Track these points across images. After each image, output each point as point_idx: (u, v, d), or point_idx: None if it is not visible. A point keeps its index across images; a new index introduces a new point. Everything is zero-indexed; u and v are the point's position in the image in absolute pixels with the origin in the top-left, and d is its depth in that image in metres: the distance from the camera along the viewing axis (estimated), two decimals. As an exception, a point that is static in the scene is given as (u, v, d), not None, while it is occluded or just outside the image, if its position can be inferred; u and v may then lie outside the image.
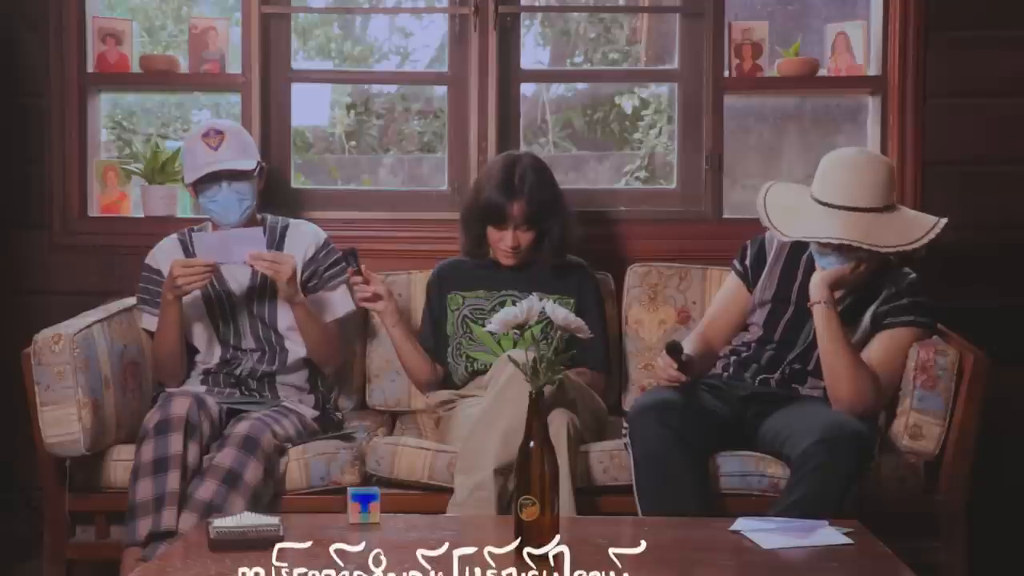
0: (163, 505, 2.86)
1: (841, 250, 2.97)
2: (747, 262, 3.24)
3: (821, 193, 3.02)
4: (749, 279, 3.23)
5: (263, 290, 3.32)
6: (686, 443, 2.86)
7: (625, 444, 2.93)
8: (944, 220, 3.02)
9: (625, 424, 2.95)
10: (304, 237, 3.39)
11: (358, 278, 3.28)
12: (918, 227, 3.01)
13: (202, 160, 3.22)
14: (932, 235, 2.99)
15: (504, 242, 3.34)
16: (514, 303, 2.51)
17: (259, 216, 3.37)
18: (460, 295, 3.42)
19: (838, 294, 3.01)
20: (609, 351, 3.48)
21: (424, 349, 3.41)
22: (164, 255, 3.34)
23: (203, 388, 3.25)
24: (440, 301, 3.44)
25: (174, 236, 3.40)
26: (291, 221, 3.43)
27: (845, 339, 2.95)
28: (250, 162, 3.27)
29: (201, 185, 3.23)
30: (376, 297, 3.31)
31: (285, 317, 3.31)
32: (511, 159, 3.37)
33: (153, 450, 2.91)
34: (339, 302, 3.38)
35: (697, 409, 2.95)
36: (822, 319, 2.95)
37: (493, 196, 3.31)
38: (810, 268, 3.13)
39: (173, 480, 2.88)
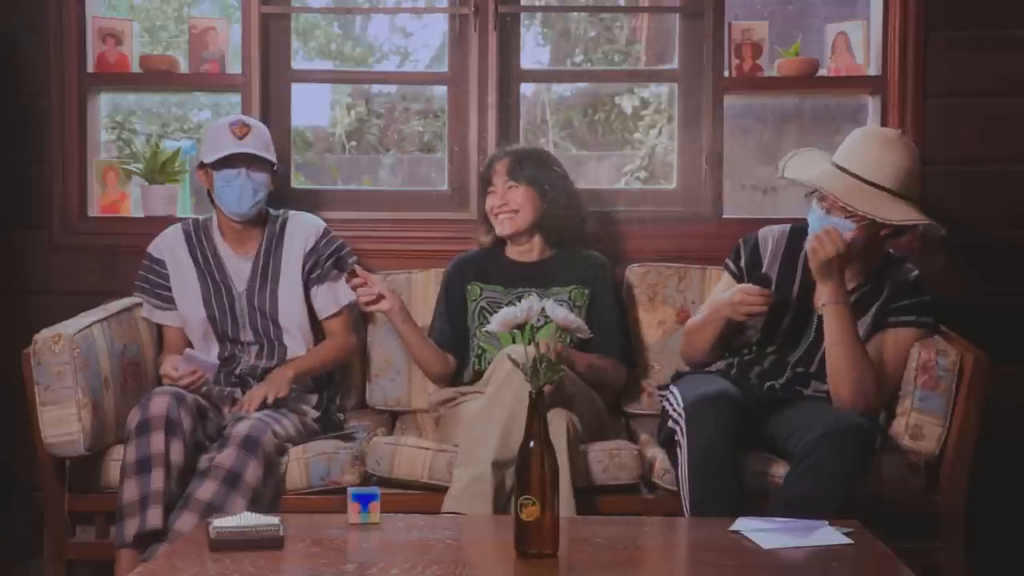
0: (148, 505, 2.86)
1: (829, 204, 2.96)
2: (741, 263, 3.21)
3: (838, 155, 3.03)
4: (744, 281, 3.18)
5: (264, 282, 3.33)
6: (734, 436, 2.84)
7: (675, 434, 2.89)
8: (932, 223, 2.99)
9: (678, 416, 2.89)
10: (304, 228, 3.41)
11: (356, 280, 3.22)
12: (912, 216, 2.98)
13: (226, 144, 3.27)
14: (912, 222, 2.96)
15: (494, 202, 3.37)
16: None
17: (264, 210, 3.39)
18: (479, 285, 3.40)
19: (852, 285, 3.00)
20: (629, 344, 3.43)
21: (437, 344, 3.36)
22: (168, 246, 3.38)
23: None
24: (460, 292, 3.41)
25: (178, 226, 3.43)
26: (290, 213, 3.46)
27: (854, 336, 2.93)
28: (271, 155, 3.34)
29: (220, 167, 3.26)
30: (379, 297, 3.24)
31: (285, 310, 3.32)
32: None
33: (135, 451, 2.91)
34: (343, 291, 3.36)
35: (740, 401, 2.93)
36: (832, 319, 2.93)
37: (485, 163, 3.47)
38: (808, 268, 3.12)
39: (157, 479, 2.88)
